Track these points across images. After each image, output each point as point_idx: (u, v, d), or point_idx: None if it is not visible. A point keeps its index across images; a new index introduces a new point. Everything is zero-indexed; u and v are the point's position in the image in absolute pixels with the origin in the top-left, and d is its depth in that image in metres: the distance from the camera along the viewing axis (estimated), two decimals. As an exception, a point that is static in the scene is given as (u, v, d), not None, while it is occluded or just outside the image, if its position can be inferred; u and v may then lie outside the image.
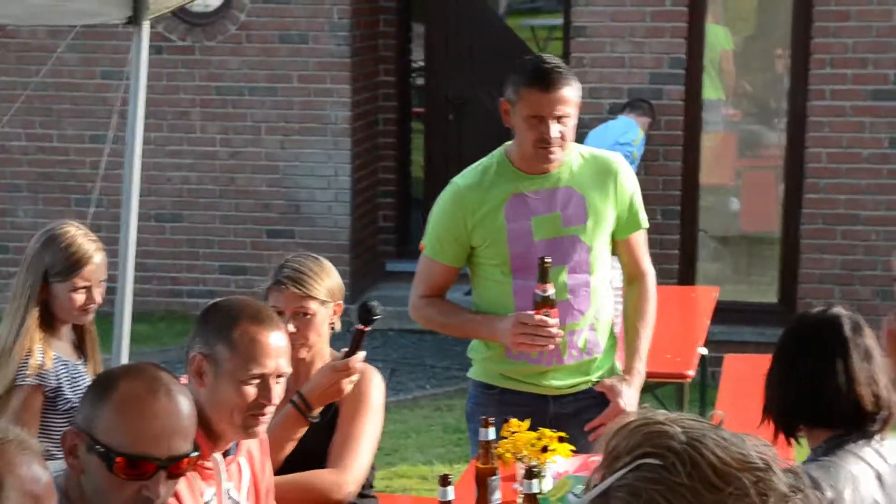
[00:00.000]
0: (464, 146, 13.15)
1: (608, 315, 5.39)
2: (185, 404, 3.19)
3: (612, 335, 5.43)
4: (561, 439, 4.66)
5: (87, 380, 5.55)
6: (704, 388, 8.72)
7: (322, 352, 4.83)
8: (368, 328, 4.85)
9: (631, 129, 10.45)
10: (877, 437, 3.82)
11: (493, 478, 4.57)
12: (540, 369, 5.20)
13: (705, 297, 9.01)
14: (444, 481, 4.20)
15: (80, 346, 5.75)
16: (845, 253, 10.87)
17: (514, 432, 4.72)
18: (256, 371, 3.81)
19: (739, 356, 8.31)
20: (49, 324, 5.50)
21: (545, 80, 5.02)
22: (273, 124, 12.61)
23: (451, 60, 13.80)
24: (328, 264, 4.89)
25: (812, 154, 10.85)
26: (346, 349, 4.73)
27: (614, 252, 5.43)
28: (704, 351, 7.95)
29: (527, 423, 4.80)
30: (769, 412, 3.86)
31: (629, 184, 5.29)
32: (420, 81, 14.05)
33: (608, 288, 5.42)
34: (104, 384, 3.26)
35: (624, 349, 5.48)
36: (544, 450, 4.60)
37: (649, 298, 5.38)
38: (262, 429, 4.05)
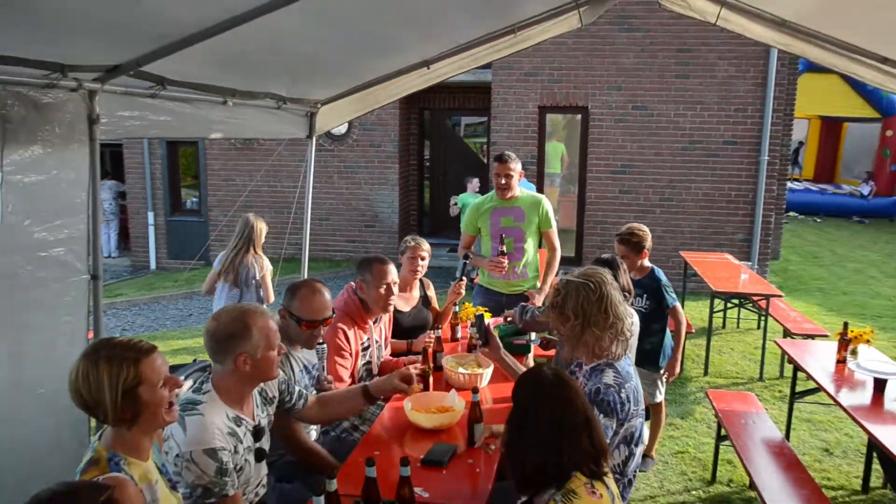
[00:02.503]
0: (445, 192, 13.04)
1: (534, 261, 5.19)
2: (328, 295, 3.25)
3: (535, 271, 5.21)
4: (489, 311, 4.55)
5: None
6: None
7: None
8: (468, 261, 4.86)
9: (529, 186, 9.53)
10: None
11: (458, 326, 4.61)
12: (502, 282, 5.09)
13: (545, 254, 8.46)
14: (436, 328, 4.20)
15: None
16: (600, 235, 10.78)
17: (463, 308, 4.71)
18: (385, 282, 3.81)
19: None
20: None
21: (500, 159, 4.97)
22: (367, 181, 12.51)
23: (439, 154, 13.52)
24: None
25: (588, 195, 10.85)
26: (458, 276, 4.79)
27: (542, 240, 5.28)
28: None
29: (470, 304, 4.83)
30: None
31: (545, 208, 5.08)
32: (427, 164, 13.58)
33: (535, 251, 5.19)
34: (294, 289, 3.24)
35: (542, 279, 5.17)
36: (479, 315, 4.63)
37: (555, 259, 5.16)
38: (391, 308, 3.97)
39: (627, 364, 2.83)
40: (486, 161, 12.70)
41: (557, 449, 2.12)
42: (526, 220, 5.09)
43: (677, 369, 4.68)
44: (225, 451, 2.44)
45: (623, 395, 2.67)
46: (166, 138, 12.53)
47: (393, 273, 3.88)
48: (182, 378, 3.42)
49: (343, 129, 12.31)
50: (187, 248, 12.93)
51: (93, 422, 2.71)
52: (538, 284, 5.19)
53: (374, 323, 3.96)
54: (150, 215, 13.24)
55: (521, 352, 4.25)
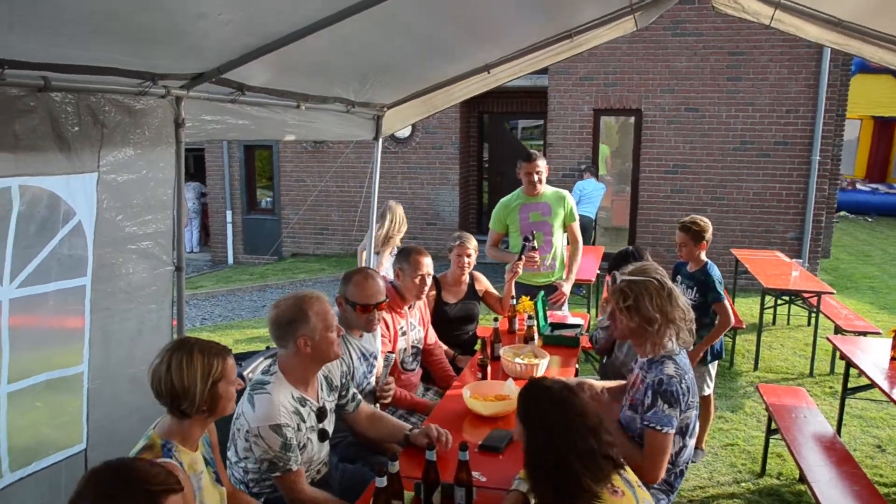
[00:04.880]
0: (503, 192, 12.75)
1: (561, 254, 5.16)
2: (381, 281, 3.28)
3: (562, 263, 5.17)
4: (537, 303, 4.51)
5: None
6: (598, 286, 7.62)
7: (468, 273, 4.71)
8: (528, 243, 4.76)
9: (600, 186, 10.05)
10: None
11: (515, 318, 4.62)
12: (534, 274, 5.04)
13: (599, 249, 8.51)
14: (494, 320, 4.47)
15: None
16: (653, 233, 10.67)
17: (520, 301, 4.66)
18: (420, 273, 3.83)
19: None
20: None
21: (529, 158, 5.00)
22: (429, 181, 12.54)
23: (497, 156, 13.33)
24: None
25: (641, 194, 10.73)
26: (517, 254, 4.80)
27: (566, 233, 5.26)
28: (599, 271, 7.26)
29: (527, 298, 4.73)
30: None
31: (569, 203, 5.11)
32: (486, 165, 13.50)
33: (563, 244, 5.19)
34: (348, 276, 3.27)
35: (568, 270, 5.14)
36: (535, 306, 4.46)
37: (578, 252, 5.17)
38: (424, 297, 3.98)
39: (684, 356, 2.76)
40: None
41: (592, 453, 2.01)
42: (552, 214, 5.07)
43: (695, 361, 4.39)
44: (289, 428, 2.49)
45: (684, 386, 2.62)
46: (244, 141, 12.83)
47: (429, 265, 3.90)
48: (253, 366, 3.50)
49: (407, 132, 12.35)
50: (262, 244, 13.19)
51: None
52: (564, 276, 5.19)
53: (410, 308, 3.98)
54: (229, 214, 13.56)
55: (570, 344, 4.21)
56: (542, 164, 5.03)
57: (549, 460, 2.01)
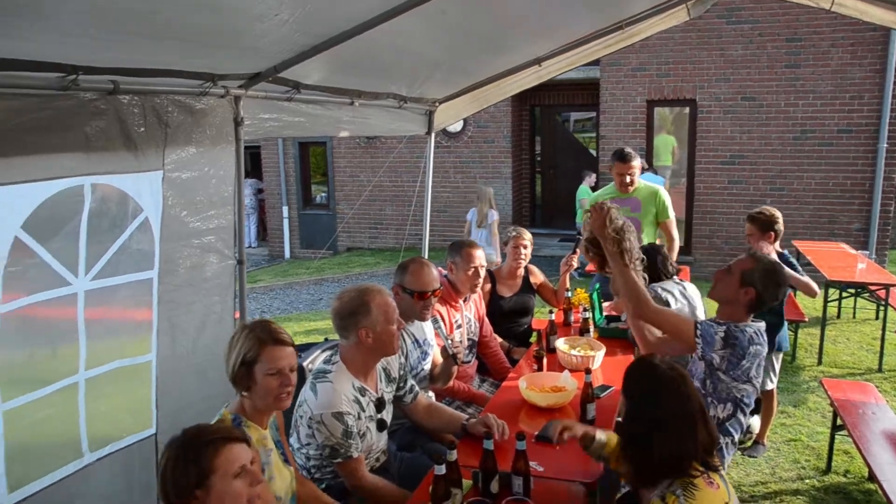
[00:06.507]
0: (555, 185, 13.04)
1: None
2: (435, 270, 3.33)
3: None
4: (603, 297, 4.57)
5: None
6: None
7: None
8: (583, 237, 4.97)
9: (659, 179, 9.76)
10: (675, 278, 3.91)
11: (570, 310, 4.56)
12: None
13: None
14: (550, 312, 4.36)
15: None
16: (709, 225, 10.47)
17: (575, 293, 4.66)
18: (473, 265, 3.86)
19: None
20: None
21: (623, 158, 4.97)
22: (481, 174, 12.44)
23: (550, 150, 13.25)
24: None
25: (697, 186, 10.52)
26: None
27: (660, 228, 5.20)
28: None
29: (582, 290, 4.72)
30: None
31: (662, 197, 5.06)
32: (538, 158, 13.32)
33: (654, 241, 5.01)
34: (404, 265, 3.32)
35: None
36: (591, 299, 4.32)
37: (672, 250, 4.92)
38: (478, 289, 4.01)
39: (763, 340, 2.79)
40: (595, 154, 12.42)
41: (681, 440, 2.00)
42: (643, 211, 5.01)
43: None
44: (350, 416, 2.56)
45: (751, 348, 2.67)
46: (300, 138, 13.08)
47: (481, 257, 3.93)
48: (312, 357, 3.56)
49: (458, 126, 12.40)
50: (318, 238, 13.42)
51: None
52: None
53: (465, 301, 4.00)
54: (285, 209, 13.87)
55: (625, 336, 4.16)
56: (636, 165, 4.99)
57: (653, 439, 2.02)
